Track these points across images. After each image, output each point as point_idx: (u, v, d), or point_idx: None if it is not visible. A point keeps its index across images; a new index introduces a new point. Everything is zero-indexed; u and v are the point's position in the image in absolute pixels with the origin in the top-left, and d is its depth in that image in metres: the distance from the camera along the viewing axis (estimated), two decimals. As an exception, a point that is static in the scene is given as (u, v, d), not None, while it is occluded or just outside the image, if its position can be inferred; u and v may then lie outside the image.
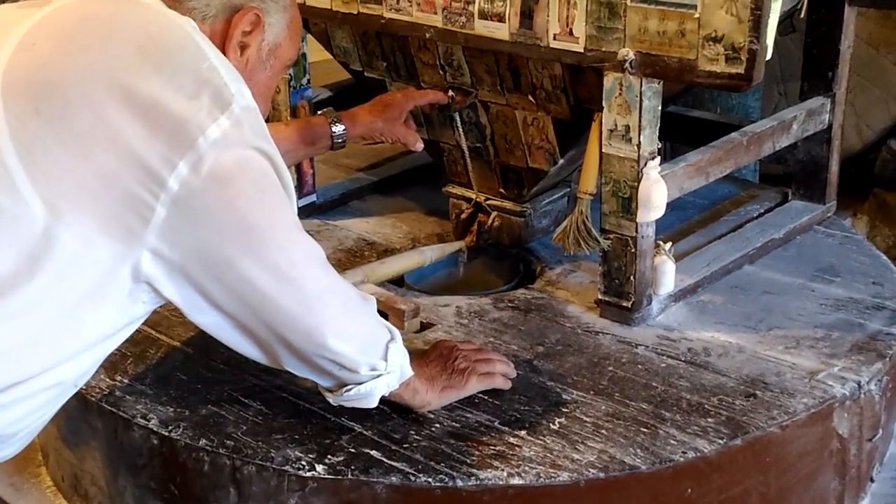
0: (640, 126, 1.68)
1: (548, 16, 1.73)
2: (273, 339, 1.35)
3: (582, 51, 1.71)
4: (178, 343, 1.76)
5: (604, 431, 1.52)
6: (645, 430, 1.52)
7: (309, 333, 1.35)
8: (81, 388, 1.42)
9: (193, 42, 1.26)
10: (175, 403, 1.59)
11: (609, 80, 1.69)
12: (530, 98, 1.90)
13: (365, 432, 1.51)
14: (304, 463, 1.45)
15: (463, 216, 2.14)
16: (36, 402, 1.29)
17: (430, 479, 1.42)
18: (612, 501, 1.46)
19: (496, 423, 1.54)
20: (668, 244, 1.84)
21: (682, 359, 1.71)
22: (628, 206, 1.74)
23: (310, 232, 1.38)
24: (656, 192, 1.72)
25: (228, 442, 1.50)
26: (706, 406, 1.57)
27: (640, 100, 1.67)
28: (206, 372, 1.68)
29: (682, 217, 2.19)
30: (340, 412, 1.53)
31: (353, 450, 1.48)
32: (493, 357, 1.64)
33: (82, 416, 1.64)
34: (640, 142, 1.69)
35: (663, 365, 1.69)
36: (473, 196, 2.12)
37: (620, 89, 1.68)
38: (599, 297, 1.84)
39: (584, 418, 1.55)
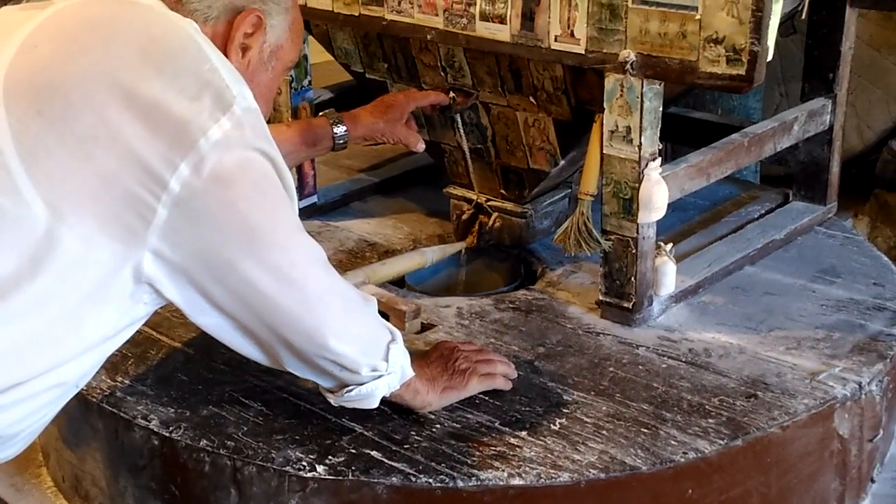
0: (641, 127, 1.68)
1: (549, 17, 1.73)
2: (274, 339, 1.36)
3: (583, 52, 1.71)
4: (178, 344, 1.76)
5: (604, 432, 1.52)
6: (646, 430, 1.52)
7: (310, 334, 1.35)
8: (82, 389, 1.42)
9: (195, 44, 1.26)
10: (176, 404, 1.59)
11: (610, 81, 1.69)
12: (531, 99, 1.90)
13: (366, 433, 1.51)
14: (304, 463, 1.45)
15: (464, 217, 2.14)
16: (37, 403, 1.29)
17: (430, 480, 1.42)
18: (612, 502, 1.46)
19: (497, 424, 1.54)
20: (669, 245, 1.84)
21: (683, 359, 1.71)
22: (629, 207, 1.74)
23: (311, 233, 1.38)
24: (657, 193, 1.72)
25: (229, 443, 1.50)
26: (707, 407, 1.57)
27: (641, 101, 1.67)
28: (207, 373, 1.68)
29: (683, 218, 2.19)
30: (341, 413, 1.53)
31: (353, 450, 1.48)
32: (494, 358, 1.64)
33: (83, 416, 1.64)
34: (641, 143, 1.69)
35: (664, 366, 1.69)
36: (474, 197, 2.12)
37: (621, 91, 1.68)
38: (600, 297, 1.84)
39: (585, 419, 1.55)
